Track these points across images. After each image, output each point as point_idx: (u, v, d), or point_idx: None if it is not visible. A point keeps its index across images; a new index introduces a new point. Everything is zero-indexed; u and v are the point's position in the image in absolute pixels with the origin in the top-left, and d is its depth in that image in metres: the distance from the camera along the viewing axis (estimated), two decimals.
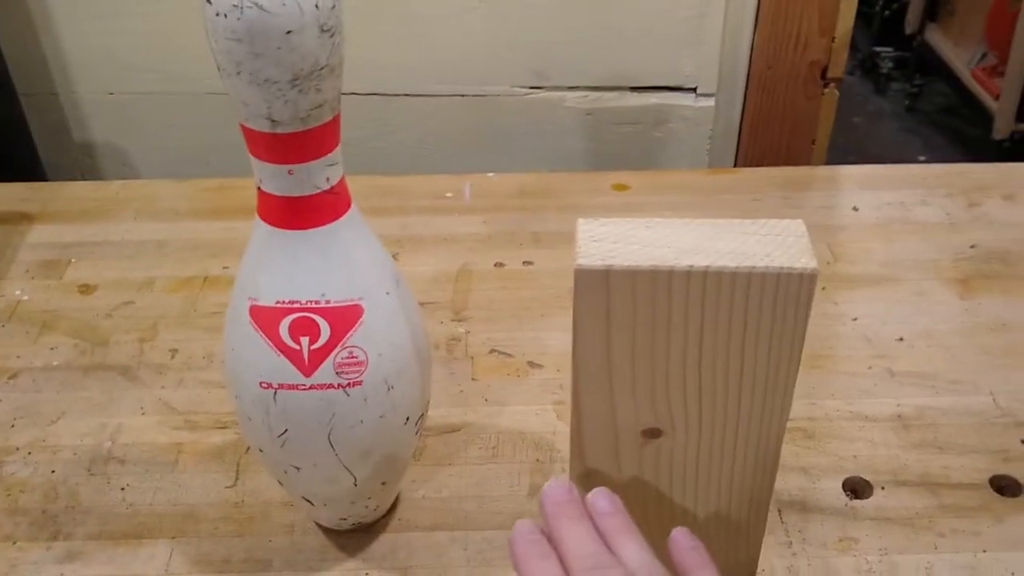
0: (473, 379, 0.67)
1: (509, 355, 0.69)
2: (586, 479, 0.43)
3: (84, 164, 1.01)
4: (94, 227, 0.82)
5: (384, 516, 0.57)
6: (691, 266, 0.36)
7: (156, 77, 0.95)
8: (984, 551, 0.55)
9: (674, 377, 0.39)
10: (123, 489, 0.60)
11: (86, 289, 0.75)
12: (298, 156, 0.43)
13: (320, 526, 0.57)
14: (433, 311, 0.72)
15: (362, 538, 0.56)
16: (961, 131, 2.41)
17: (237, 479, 0.60)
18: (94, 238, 0.81)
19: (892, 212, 0.82)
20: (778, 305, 0.37)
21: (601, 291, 0.37)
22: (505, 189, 0.86)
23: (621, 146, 1.00)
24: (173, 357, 0.69)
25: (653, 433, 0.42)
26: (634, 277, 0.37)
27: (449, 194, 0.85)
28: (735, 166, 1.00)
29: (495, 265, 0.77)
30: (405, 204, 0.83)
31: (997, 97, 2.10)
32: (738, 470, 0.42)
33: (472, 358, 0.69)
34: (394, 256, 0.76)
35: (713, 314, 0.38)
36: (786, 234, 0.38)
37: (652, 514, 0.44)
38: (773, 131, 1.00)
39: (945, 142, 2.40)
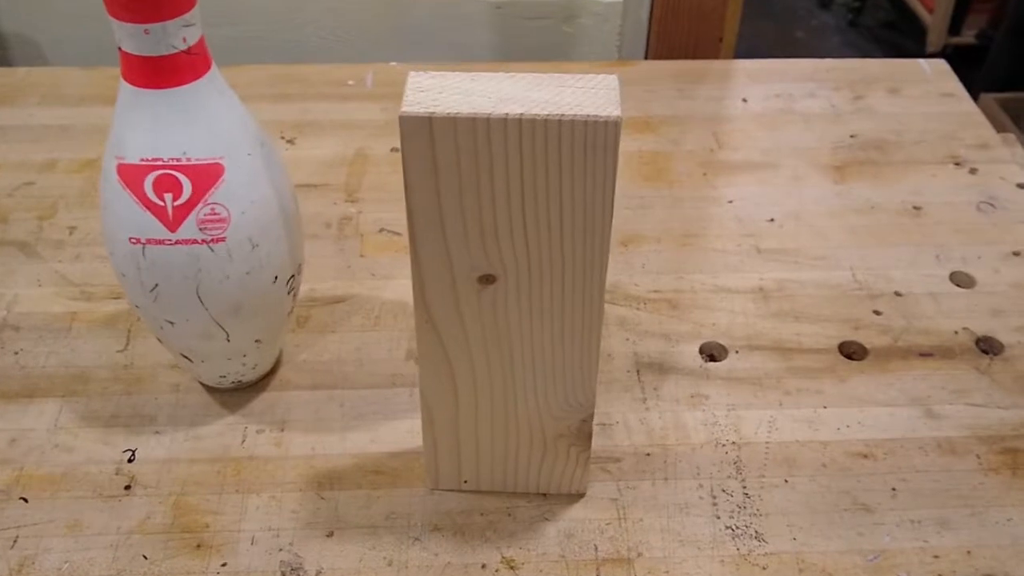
0: (361, 256, 0.70)
1: (397, 234, 0.71)
2: (430, 324, 0.46)
3: None
4: None
5: (265, 377, 0.61)
6: (507, 114, 0.39)
7: None
8: (824, 407, 0.60)
9: (501, 223, 0.42)
10: (16, 353, 0.62)
11: None
12: (153, 15, 0.45)
13: (204, 385, 0.60)
14: (326, 192, 0.75)
15: (243, 396, 0.60)
16: (899, 45, 2.44)
17: (128, 344, 0.63)
18: None
19: (779, 104, 0.85)
20: (588, 152, 0.40)
21: (425, 138, 0.40)
22: (406, 78, 0.87)
23: (531, 40, 1.01)
24: (71, 234, 0.71)
25: (488, 279, 0.45)
26: (455, 124, 0.39)
27: (351, 82, 0.86)
28: None
29: (391, 150, 0.79)
30: (306, 91, 0.84)
31: (932, 12, 2.13)
32: (568, 314, 0.46)
33: (362, 236, 0.71)
34: (291, 141, 0.79)
35: (531, 161, 0.40)
36: (598, 87, 0.41)
37: (494, 356, 0.47)
38: (681, 29, 1.02)
39: (883, 56, 2.44)
